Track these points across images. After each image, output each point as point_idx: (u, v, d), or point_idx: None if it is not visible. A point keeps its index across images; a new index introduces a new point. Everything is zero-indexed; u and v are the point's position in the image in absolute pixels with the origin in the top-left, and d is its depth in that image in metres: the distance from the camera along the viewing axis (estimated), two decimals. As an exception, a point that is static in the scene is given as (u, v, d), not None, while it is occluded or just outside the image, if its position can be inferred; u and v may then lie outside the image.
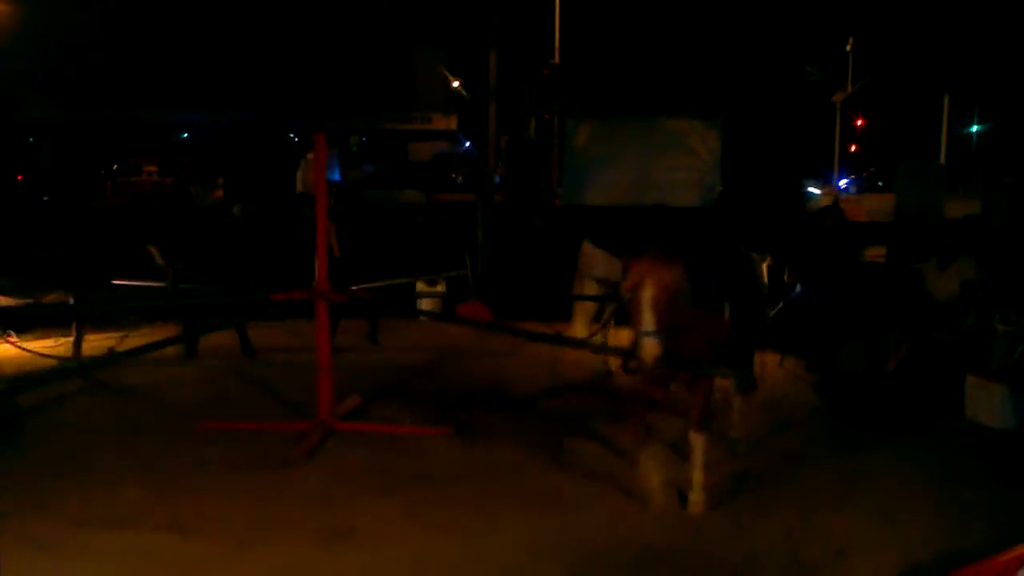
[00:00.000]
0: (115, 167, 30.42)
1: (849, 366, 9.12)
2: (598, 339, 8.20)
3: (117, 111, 34.41)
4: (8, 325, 9.95)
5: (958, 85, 38.69)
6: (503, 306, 11.82)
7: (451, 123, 39.23)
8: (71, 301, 9.78)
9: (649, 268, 5.11)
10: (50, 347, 9.88)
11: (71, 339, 9.76)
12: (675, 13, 21.24)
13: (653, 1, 23.61)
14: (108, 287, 10.22)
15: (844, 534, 5.36)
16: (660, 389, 5.81)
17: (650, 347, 5.02)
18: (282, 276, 8.83)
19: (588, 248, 9.05)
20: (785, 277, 9.83)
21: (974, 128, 47.44)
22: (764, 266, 8.87)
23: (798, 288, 9.56)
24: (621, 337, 7.93)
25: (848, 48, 49.06)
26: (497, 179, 20.72)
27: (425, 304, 12.35)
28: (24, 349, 9.53)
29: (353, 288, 8.92)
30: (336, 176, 23.66)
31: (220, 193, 26.62)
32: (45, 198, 22.35)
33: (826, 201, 17.99)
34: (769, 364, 8.73)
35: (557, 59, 29.49)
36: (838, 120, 52.30)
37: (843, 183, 45.24)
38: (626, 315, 5.52)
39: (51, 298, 9.87)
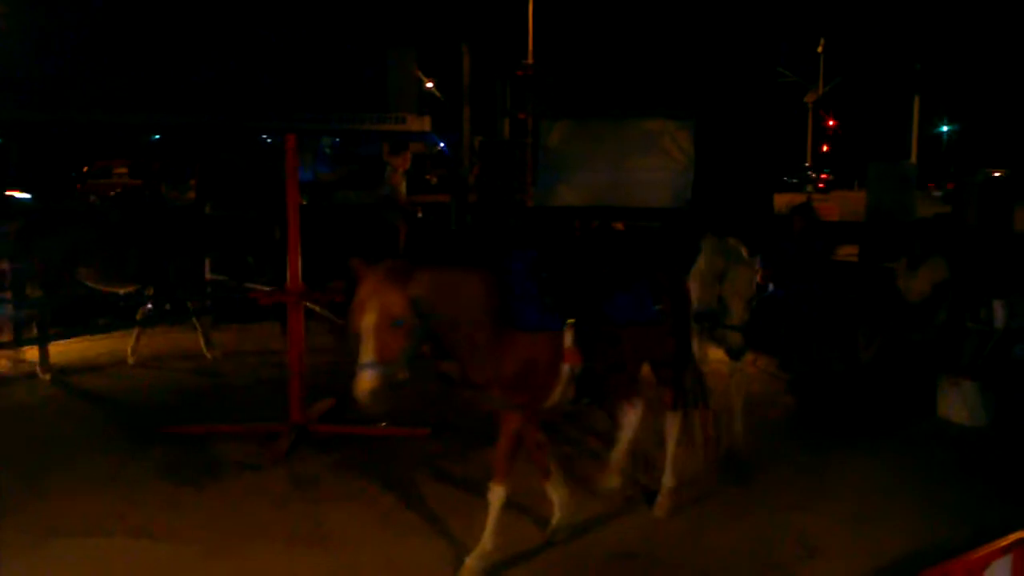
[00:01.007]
0: (85, 169, 30.11)
1: (821, 365, 9.16)
2: None
3: (86, 112, 34.09)
4: None
5: (928, 86, 39.07)
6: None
7: (425, 124, 39.06)
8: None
9: (373, 289, 4.33)
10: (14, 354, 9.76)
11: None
12: (648, 14, 21.27)
13: (627, 2, 23.64)
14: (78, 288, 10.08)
15: (815, 533, 5.38)
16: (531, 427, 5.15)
17: (364, 381, 4.22)
18: (257, 275, 8.75)
19: None
20: (758, 277, 9.84)
21: (944, 128, 47.97)
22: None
23: (770, 287, 9.58)
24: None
25: (820, 50, 49.53)
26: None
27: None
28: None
29: (328, 286, 8.82)
30: (309, 176, 23.50)
31: (192, 195, 26.37)
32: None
33: (797, 200, 18.07)
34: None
35: (531, 60, 29.47)
36: (810, 121, 52.76)
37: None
38: None
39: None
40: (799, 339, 9.31)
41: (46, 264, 9.10)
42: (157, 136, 37.72)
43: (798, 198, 19.58)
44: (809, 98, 51.90)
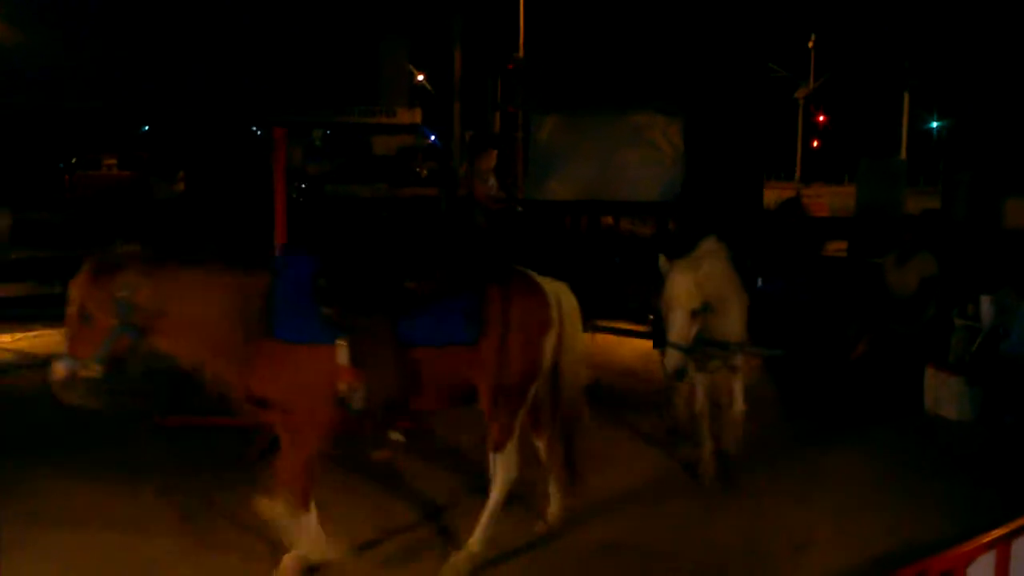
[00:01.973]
0: (73, 160, 29.97)
1: (810, 359, 9.17)
2: None
3: (74, 102, 33.94)
4: None
5: (919, 81, 39.17)
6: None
7: (415, 117, 39.10)
8: None
9: (80, 282, 4.23)
10: (7, 342, 9.73)
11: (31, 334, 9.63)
12: (639, 9, 21.26)
13: (617, -4, 23.64)
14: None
15: (803, 527, 5.40)
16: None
17: (52, 372, 4.22)
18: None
19: None
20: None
21: (934, 124, 48.08)
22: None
23: (759, 282, 9.59)
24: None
25: (810, 45, 49.59)
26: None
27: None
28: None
29: None
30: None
31: (182, 187, 26.28)
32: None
33: (787, 194, 18.12)
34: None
35: (522, 53, 29.47)
36: (800, 116, 52.81)
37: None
38: None
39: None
40: (789, 333, 9.33)
41: None
42: (147, 128, 37.67)
43: (786, 193, 19.66)
44: (800, 93, 52.00)
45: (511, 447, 4.86)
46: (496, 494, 4.88)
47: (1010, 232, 13.11)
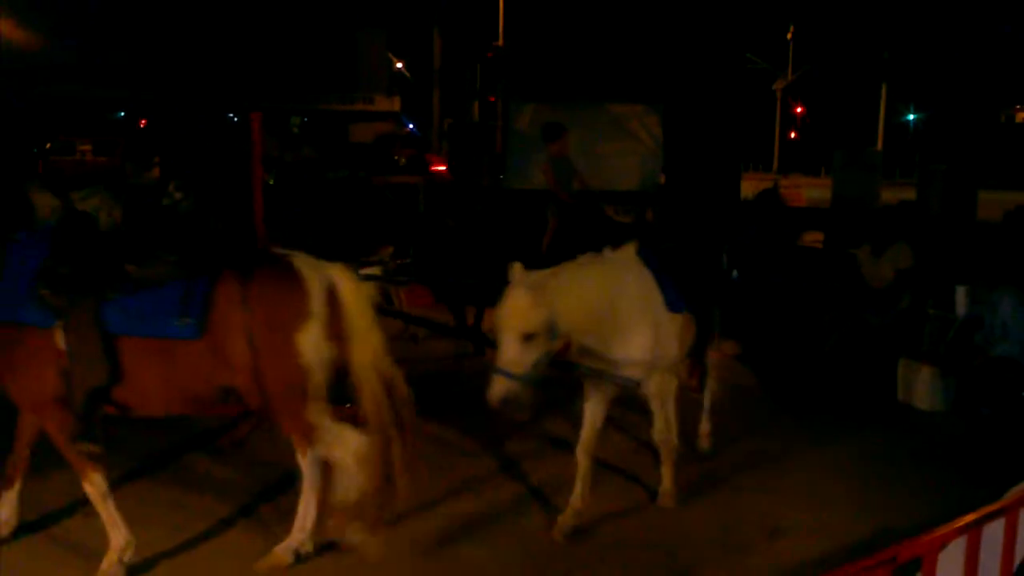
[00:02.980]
0: (48, 146, 29.68)
1: (784, 349, 9.23)
2: None
3: (48, 87, 33.62)
4: None
5: (896, 74, 39.40)
6: (444, 290, 11.71)
7: (394, 104, 38.93)
8: None
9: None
10: None
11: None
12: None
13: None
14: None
15: (776, 515, 5.43)
16: None
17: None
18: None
19: None
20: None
21: (911, 117, 48.39)
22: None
23: (735, 274, 9.63)
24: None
25: (789, 36, 49.75)
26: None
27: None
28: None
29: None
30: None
31: (156, 172, 26.06)
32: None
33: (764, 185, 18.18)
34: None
35: (501, 42, 29.41)
36: (778, 108, 53.02)
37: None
38: None
39: None
40: (757, 324, 9.38)
41: None
42: (122, 113, 37.34)
43: (764, 183, 19.72)
44: (778, 85, 52.20)
45: (327, 440, 4.47)
46: (305, 495, 4.72)
47: (984, 224, 13.22)
